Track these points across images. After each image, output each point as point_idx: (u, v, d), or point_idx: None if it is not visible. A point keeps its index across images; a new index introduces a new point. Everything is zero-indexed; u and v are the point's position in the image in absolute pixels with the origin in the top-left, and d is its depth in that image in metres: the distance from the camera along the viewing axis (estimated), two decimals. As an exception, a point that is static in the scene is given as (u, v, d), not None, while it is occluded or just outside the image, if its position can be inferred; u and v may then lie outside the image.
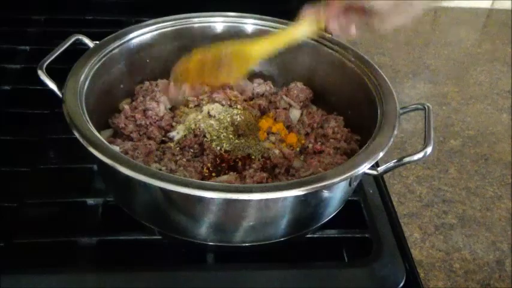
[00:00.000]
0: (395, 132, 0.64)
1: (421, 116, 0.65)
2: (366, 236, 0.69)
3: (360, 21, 0.67)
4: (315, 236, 0.68)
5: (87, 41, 0.75)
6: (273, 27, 0.83)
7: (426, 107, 0.68)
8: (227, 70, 0.72)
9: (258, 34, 0.84)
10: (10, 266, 0.61)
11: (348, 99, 0.78)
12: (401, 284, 0.64)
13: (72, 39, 0.73)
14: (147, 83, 0.80)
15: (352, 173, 0.58)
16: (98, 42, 0.75)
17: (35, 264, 0.63)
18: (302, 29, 0.70)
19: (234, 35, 0.83)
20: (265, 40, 0.71)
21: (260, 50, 0.71)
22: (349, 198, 0.71)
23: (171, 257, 0.67)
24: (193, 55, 0.72)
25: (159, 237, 0.65)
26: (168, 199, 0.59)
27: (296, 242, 0.67)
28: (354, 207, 0.72)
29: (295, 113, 0.79)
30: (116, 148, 0.67)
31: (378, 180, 0.78)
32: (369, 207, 0.72)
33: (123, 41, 0.77)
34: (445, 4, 1.49)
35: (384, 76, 0.73)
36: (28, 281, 0.60)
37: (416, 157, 0.61)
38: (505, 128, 1.09)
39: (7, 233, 0.64)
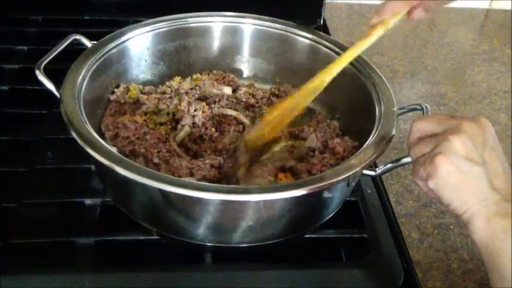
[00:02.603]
0: (394, 132, 0.64)
1: (419, 117, 0.65)
2: (364, 236, 0.69)
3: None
4: (313, 236, 0.68)
5: (85, 41, 0.75)
6: (271, 27, 0.83)
7: (424, 107, 0.68)
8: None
9: (256, 34, 0.84)
10: (7, 267, 0.61)
11: (346, 99, 0.78)
12: (400, 284, 0.64)
13: (70, 39, 0.73)
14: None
15: (350, 173, 0.58)
16: (95, 42, 0.75)
17: (32, 265, 0.62)
18: (371, 40, 0.66)
19: (232, 35, 0.83)
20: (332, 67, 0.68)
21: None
22: (348, 199, 0.71)
23: (169, 258, 0.67)
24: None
25: (157, 237, 0.65)
26: (166, 200, 0.59)
27: (294, 242, 0.67)
28: (352, 208, 0.72)
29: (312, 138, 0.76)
30: (114, 149, 0.66)
31: (376, 181, 0.78)
32: (367, 208, 0.72)
33: (121, 41, 0.76)
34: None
35: (382, 76, 0.73)
36: (25, 282, 0.60)
37: None
38: (502, 128, 1.09)
39: (4, 233, 0.64)
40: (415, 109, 0.70)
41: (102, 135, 0.70)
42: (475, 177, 0.53)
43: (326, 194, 0.63)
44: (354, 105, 0.76)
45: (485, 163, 0.54)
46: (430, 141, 0.56)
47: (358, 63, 0.76)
